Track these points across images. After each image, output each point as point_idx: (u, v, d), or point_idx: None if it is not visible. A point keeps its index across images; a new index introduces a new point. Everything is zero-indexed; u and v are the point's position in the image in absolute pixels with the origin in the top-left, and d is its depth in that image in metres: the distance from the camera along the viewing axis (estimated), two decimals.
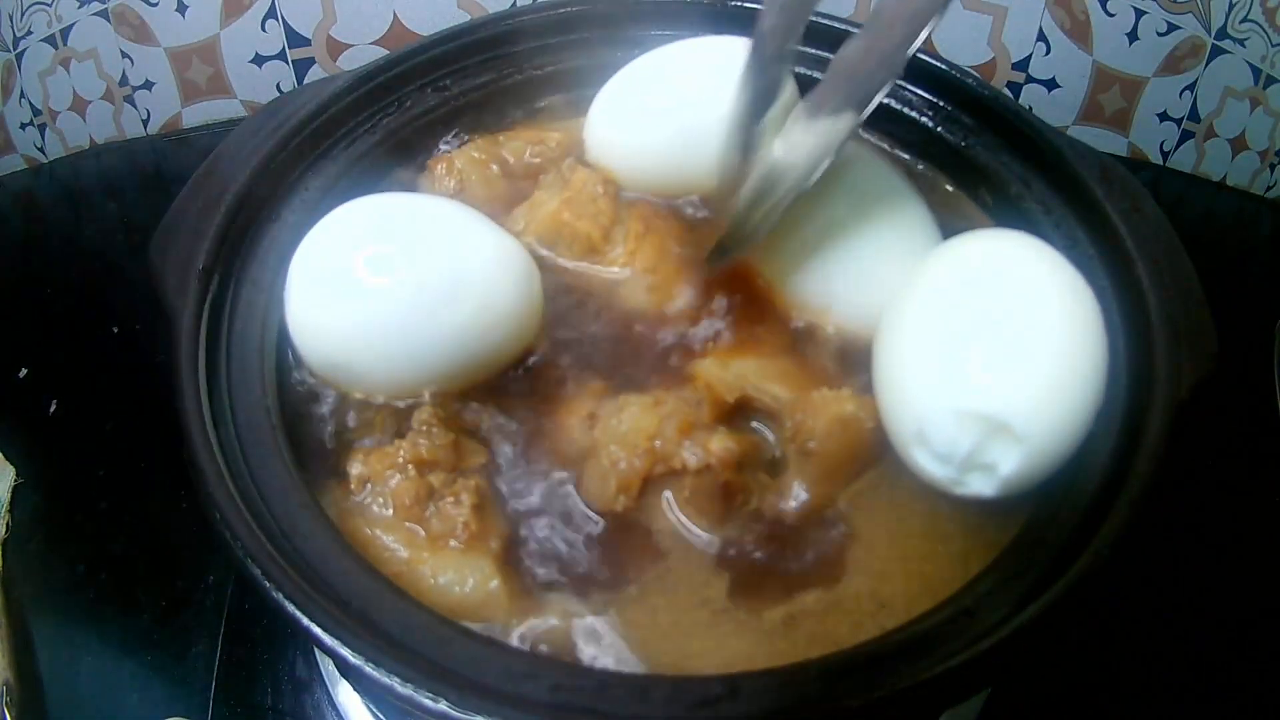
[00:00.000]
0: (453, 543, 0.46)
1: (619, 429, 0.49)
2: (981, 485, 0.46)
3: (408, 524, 0.47)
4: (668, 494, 0.49)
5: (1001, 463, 0.45)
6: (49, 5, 0.91)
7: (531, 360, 0.54)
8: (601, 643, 0.45)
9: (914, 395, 0.47)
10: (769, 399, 0.50)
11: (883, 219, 0.54)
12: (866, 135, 0.66)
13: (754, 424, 0.51)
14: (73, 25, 0.93)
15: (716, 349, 0.53)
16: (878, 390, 0.49)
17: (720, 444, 0.48)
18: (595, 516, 0.48)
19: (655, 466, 0.48)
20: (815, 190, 0.51)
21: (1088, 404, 0.46)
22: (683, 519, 0.48)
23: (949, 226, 0.61)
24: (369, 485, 0.48)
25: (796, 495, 0.49)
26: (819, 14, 0.67)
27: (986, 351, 0.46)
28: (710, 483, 0.47)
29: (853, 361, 0.53)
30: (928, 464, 0.47)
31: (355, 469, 0.49)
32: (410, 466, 0.48)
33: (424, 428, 0.49)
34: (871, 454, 0.49)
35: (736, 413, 0.51)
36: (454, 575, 0.45)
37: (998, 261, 0.49)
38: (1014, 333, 0.46)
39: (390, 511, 0.47)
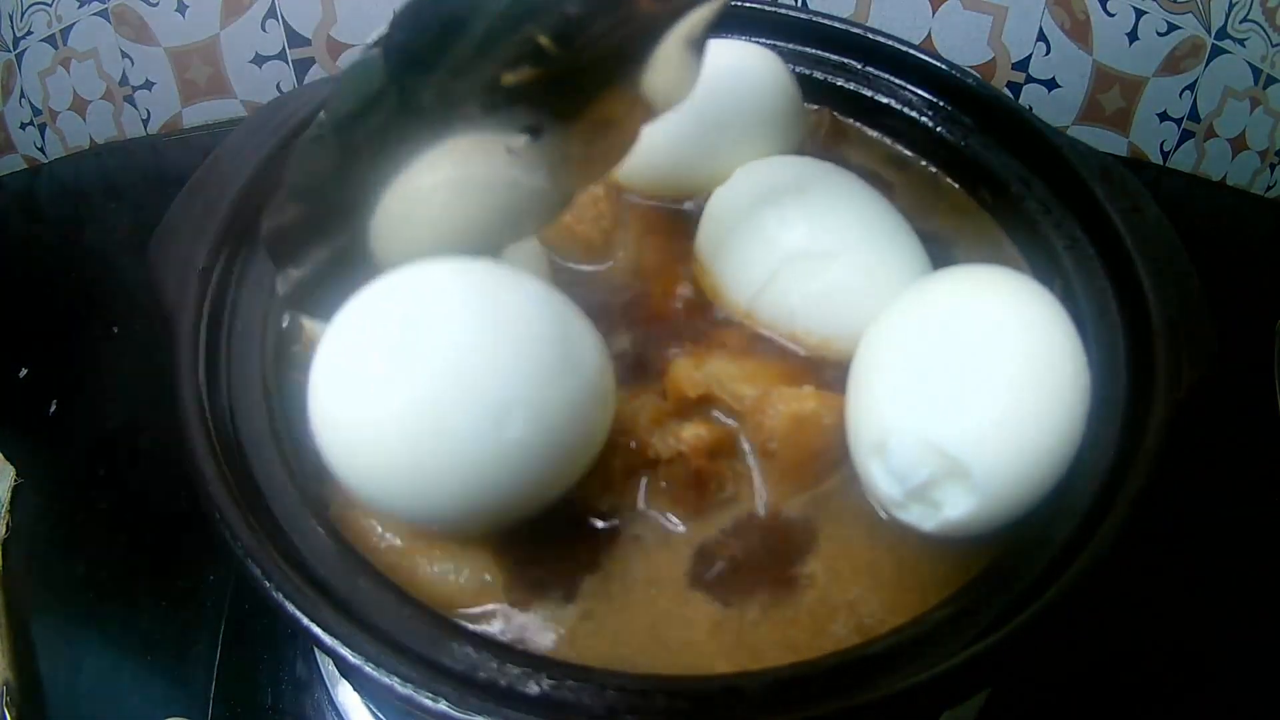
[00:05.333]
0: None
1: None
2: (921, 518, 0.45)
3: None
4: (643, 486, 0.48)
5: (949, 505, 0.44)
6: (49, 5, 0.91)
7: None
8: (584, 638, 0.44)
9: (886, 407, 0.45)
10: (730, 398, 0.50)
11: (870, 243, 0.53)
12: (866, 137, 0.67)
13: (731, 423, 0.51)
14: (73, 25, 0.93)
15: (699, 349, 0.53)
16: (849, 391, 0.48)
17: (691, 432, 0.48)
18: (575, 510, 0.48)
19: (628, 456, 0.48)
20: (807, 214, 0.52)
21: (1057, 466, 0.44)
22: (659, 510, 0.48)
23: (950, 227, 0.62)
24: None
25: (764, 495, 0.49)
26: (819, 14, 0.67)
27: (967, 395, 0.44)
28: (683, 471, 0.47)
29: (831, 368, 0.51)
30: (880, 478, 0.45)
31: None
32: None
33: None
34: (836, 452, 0.48)
35: (702, 409, 0.50)
36: (451, 565, 0.45)
37: (991, 308, 0.47)
38: (1000, 386, 0.44)
39: None
